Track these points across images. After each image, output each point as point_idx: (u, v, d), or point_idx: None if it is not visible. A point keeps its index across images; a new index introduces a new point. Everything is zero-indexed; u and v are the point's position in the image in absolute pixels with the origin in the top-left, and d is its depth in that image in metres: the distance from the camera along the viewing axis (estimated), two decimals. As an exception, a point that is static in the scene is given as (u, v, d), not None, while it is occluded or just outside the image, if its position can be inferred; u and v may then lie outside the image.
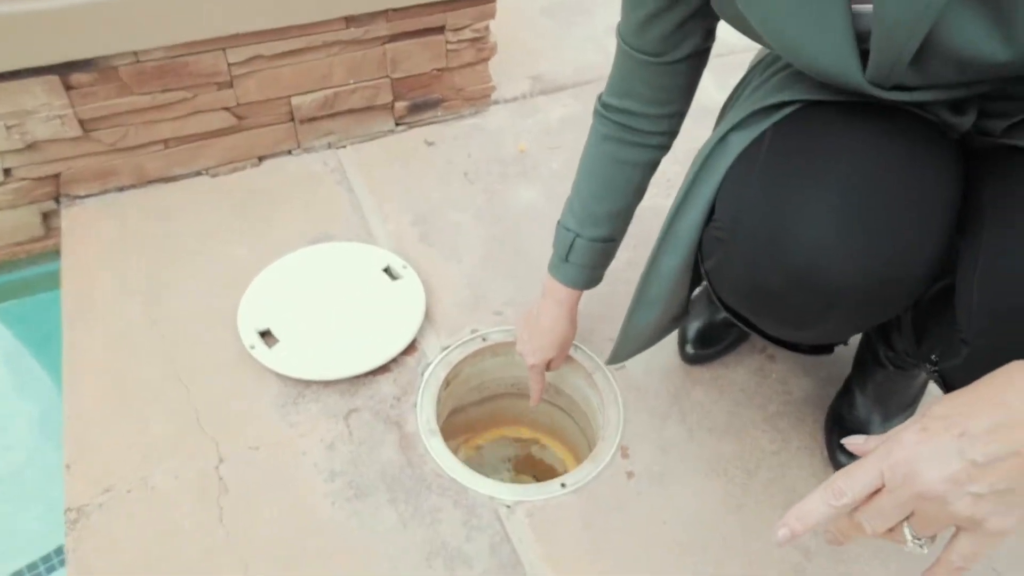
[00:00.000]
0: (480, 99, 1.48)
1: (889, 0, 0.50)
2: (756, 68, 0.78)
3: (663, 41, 0.72)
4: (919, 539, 0.45)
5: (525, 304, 1.10)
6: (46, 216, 1.25)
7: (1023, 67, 0.51)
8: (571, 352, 1.05)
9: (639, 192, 0.85)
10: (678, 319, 0.87)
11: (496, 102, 1.52)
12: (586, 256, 0.86)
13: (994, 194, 0.56)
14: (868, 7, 0.53)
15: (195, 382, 1.00)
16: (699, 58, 0.75)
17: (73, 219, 1.22)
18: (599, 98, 0.82)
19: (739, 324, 0.73)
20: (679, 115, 0.79)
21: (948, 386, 0.65)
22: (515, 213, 1.29)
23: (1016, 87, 0.57)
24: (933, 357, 0.66)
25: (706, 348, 1.04)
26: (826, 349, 0.84)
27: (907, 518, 0.45)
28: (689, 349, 1.04)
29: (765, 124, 0.64)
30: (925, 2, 0.48)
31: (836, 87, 0.60)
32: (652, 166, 0.83)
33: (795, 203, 0.58)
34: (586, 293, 0.92)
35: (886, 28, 0.51)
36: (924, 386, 0.94)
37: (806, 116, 0.63)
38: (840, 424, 0.95)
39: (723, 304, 0.73)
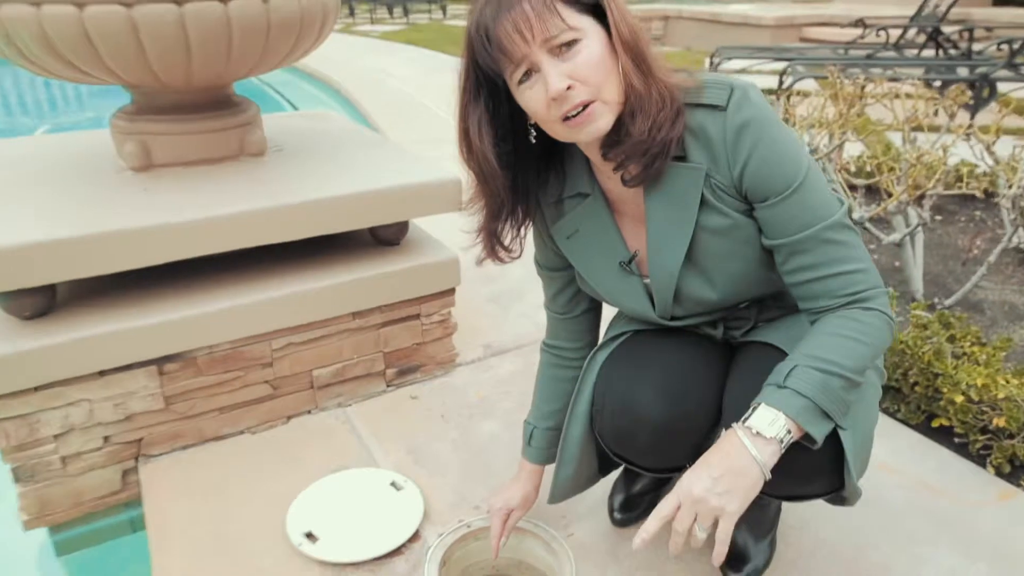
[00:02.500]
0: (448, 363, 2.01)
1: (654, 277, 1.06)
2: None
3: (565, 305, 1.27)
4: (703, 529, 0.88)
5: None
6: (125, 473, 1.63)
7: (725, 302, 1.06)
8: (532, 528, 1.44)
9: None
10: (592, 479, 1.31)
11: (459, 365, 2.04)
12: (541, 441, 1.31)
13: (733, 367, 1.08)
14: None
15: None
16: (594, 312, 1.30)
17: (150, 473, 1.61)
18: (543, 341, 1.35)
19: (623, 463, 1.18)
20: (589, 345, 1.31)
21: None
22: (481, 441, 1.74)
23: (740, 312, 1.12)
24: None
25: (629, 513, 1.45)
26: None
27: (694, 521, 0.88)
28: (617, 515, 1.45)
29: (615, 345, 1.17)
30: (668, 277, 1.04)
31: (646, 321, 1.14)
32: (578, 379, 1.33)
33: (632, 389, 1.10)
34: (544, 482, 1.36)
35: (657, 289, 1.06)
36: (779, 511, 1.36)
37: (635, 339, 1.17)
38: (729, 553, 1.34)
39: (610, 451, 1.18)
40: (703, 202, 1.01)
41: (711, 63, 5.53)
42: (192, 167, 1.80)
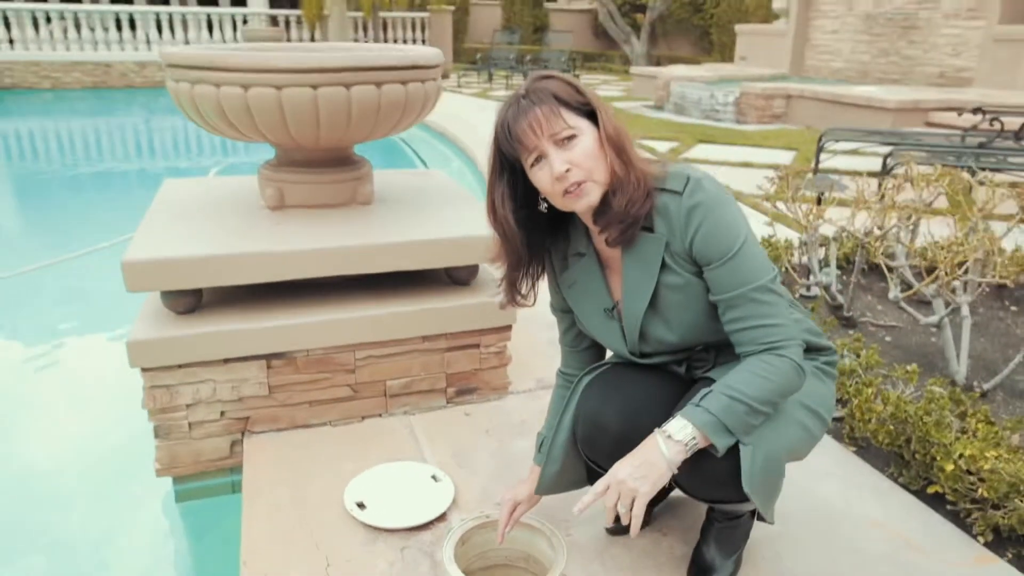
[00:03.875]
0: (501, 389, 2.34)
1: (626, 320, 1.36)
2: None
3: (573, 340, 1.58)
4: (624, 506, 1.15)
5: (514, 498, 1.80)
6: (233, 444, 2.07)
7: (683, 344, 1.34)
8: (539, 526, 1.72)
9: None
10: (576, 484, 1.58)
11: (512, 393, 2.37)
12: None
13: (685, 395, 1.35)
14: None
15: (321, 530, 1.71)
16: (596, 348, 1.60)
17: (252, 445, 2.04)
18: (558, 368, 1.66)
19: (598, 469, 1.46)
20: None
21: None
22: (515, 454, 2.04)
23: (699, 355, 1.39)
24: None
25: (620, 524, 1.68)
26: None
27: (618, 501, 1.16)
28: (610, 525, 1.70)
29: (595, 373, 1.47)
30: (635, 320, 1.33)
31: (623, 357, 1.43)
32: None
33: (603, 406, 1.39)
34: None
35: (628, 330, 1.36)
36: (747, 534, 1.57)
37: (612, 370, 1.47)
38: (698, 563, 1.56)
39: (584, 455, 1.46)
40: (664, 265, 1.30)
41: (819, 144, 5.64)
42: (315, 209, 2.27)
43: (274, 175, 2.27)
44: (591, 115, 1.27)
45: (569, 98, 1.26)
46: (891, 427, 1.95)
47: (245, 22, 14.68)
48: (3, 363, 3.24)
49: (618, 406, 1.36)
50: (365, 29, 15.80)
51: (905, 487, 1.91)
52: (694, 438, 1.18)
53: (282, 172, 2.27)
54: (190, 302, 1.99)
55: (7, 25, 13.13)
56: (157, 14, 13.97)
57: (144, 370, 1.92)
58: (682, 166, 1.30)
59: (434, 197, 2.55)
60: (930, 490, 1.85)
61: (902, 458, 1.94)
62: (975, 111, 5.58)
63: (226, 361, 1.98)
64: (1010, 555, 1.69)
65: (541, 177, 1.28)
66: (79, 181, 7.02)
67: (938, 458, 1.80)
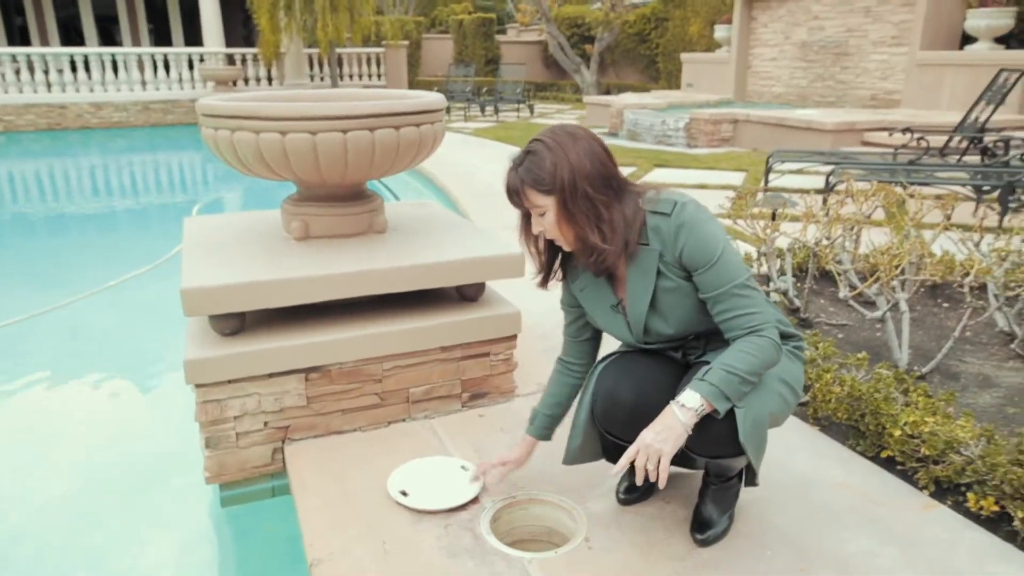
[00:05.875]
0: (509, 392, 2.62)
1: (631, 317, 1.67)
2: None
3: (577, 331, 1.89)
4: (652, 464, 1.45)
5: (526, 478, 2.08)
6: (274, 451, 2.30)
7: (678, 335, 1.66)
8: (560, 503, 2.00)
9: (571, 396, 1.92)
10: (595, 455, 1.87)
11: (518, 395, 2.65)
12: (541, 422, 1.91)
13: (685, 376, 1.66)
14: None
15: (370, 516, 1.95)
16: (594, 341, 1.91)
17: (293, 451, 2.27)
18: (559, 356, 1.95)
19: (612, 439, 1.75)
20: (588, 364, 1.91)
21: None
22: (530, 447, 2.32)
23: (692, 343, 1.71)
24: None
25: (630, 495, 1.99)
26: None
27: (647, 460, 1.46)
28: (621, 496, 1.99)
29: (609, 359, 1.78)
30: (639, 317, 1.65)
31: (630, 345, 1.74)
32: (577, 386, 1.91)
33: (618, 385, 1.69)
34: (572, 472, 1.93)
35: (633, 324, 1.68)
36: (737, 494, 1.88)
37: (623, 356, 1.77)
38: (698, 520, 1.86)
39: (604, 431, 1.76)
40: (659, 272, 1.62)
41: (767, 165, 6.11)
42: (337, 239, 2.53)
43: (298, 209, 2.53)
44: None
45: (536, 181, 1.57)
46: (848, 405, 2.29)
47: (202, 60, 14.82)
48: (48, 401, 3.38)
49: (630, 384, 1.67)
50: (321, 65, 16.08)
51: (862, 454, 2.25)
52: (701, 405, 1.49)
53: (305, 207, 2.53)
54: (236, 324, 2.23)
55: (-42, 69, 13.02)
56: (113, 55, 14.01)
57: (198, 386, 2.15)
58: (672, 192, 1.63)
59: (436, 224, 2.84)
60: (883, 455, 2.19)
61: (859, 430, 2.28)
62: (904, 131, 6.13)
63: (270, 375, 2.23)
64: (950, 502, 2.03)
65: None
66: (54, 223, 7.09)
67: (887, 426, 2.15)
